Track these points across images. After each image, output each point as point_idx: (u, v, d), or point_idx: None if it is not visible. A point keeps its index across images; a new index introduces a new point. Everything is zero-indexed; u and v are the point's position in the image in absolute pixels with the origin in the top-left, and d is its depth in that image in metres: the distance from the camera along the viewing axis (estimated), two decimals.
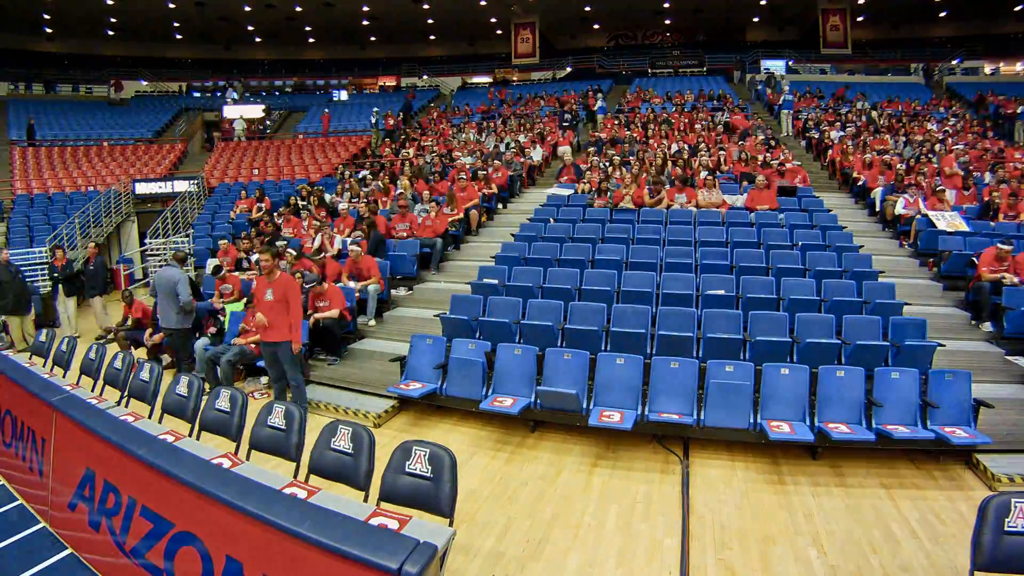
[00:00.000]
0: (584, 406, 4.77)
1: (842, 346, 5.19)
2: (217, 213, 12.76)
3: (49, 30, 22.66)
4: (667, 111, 16.47)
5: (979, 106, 16.34)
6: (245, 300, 6.85)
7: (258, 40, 26.40)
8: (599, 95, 17.51)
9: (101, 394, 4.65)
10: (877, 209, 9.42)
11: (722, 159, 11.24)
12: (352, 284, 7.18)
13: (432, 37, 27.26)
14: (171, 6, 21.50)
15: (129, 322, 7.52)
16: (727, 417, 4.52)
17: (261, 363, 6.12)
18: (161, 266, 8.53)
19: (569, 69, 24.99)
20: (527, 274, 6.96)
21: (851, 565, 3.28)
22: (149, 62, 25.59)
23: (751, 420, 4.51)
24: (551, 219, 9.07)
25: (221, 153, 17.75)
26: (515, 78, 25.01)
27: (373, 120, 18.13)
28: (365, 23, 24.86)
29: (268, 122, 20.29)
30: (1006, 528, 2.32)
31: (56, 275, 8.93)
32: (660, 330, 5.54)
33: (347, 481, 2.85)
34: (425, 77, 25.67)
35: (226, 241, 9.19)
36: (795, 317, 5.64)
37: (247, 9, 22.33)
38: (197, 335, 6.75)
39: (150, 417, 3.99)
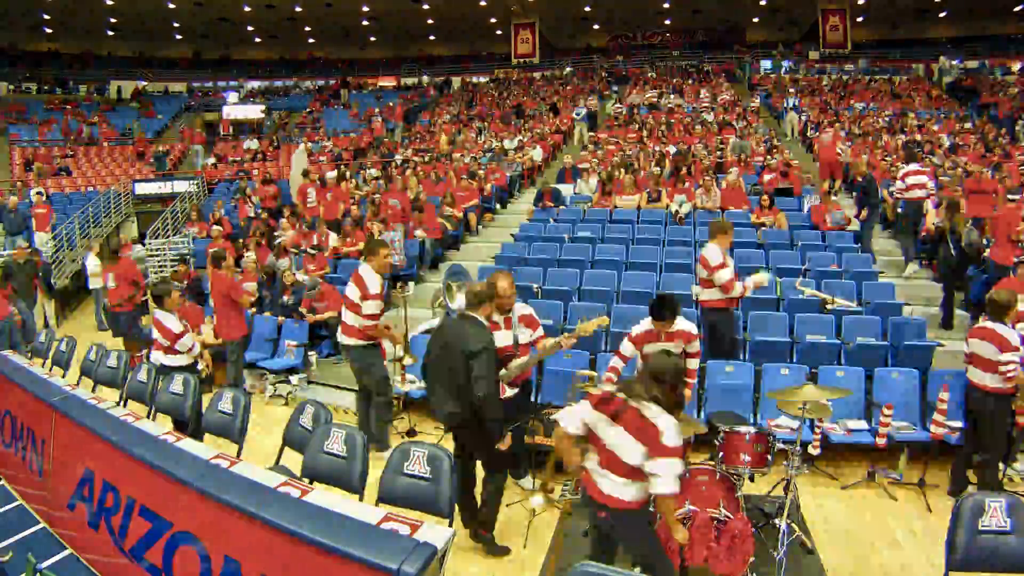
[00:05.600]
0: None
1: (842, 346, 5.18)
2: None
3: (49, 30, 22.63)
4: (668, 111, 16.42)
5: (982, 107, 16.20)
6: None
7: (258, 40, 26.37)
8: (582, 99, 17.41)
9: (94, 391, 4.64)
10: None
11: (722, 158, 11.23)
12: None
13: (432, 37, 27.20)
14: (171, 6, 21.44)
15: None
16: None
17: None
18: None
19: (569, 69, 24.95)
20: (527, 274, 6.93)
21: (851, 565, 3.29)
22: (149, 62, 25.57)
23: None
24: (551, 219, 9.06)
25: (221, 153, 17.73)
26: (515, 78, 24.93)
27: (380, 118, 18.11)
28: (365, 23, 24.83)
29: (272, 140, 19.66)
30: (980, 527, 2.32)
31: None
32: None
33: (341, 484, 2.81)
34: (425, 77, 25.62)
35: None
36: (795, 317, 5.63)
37: (247, 9, 22.28)
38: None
39: (148, 417, 3.99)
